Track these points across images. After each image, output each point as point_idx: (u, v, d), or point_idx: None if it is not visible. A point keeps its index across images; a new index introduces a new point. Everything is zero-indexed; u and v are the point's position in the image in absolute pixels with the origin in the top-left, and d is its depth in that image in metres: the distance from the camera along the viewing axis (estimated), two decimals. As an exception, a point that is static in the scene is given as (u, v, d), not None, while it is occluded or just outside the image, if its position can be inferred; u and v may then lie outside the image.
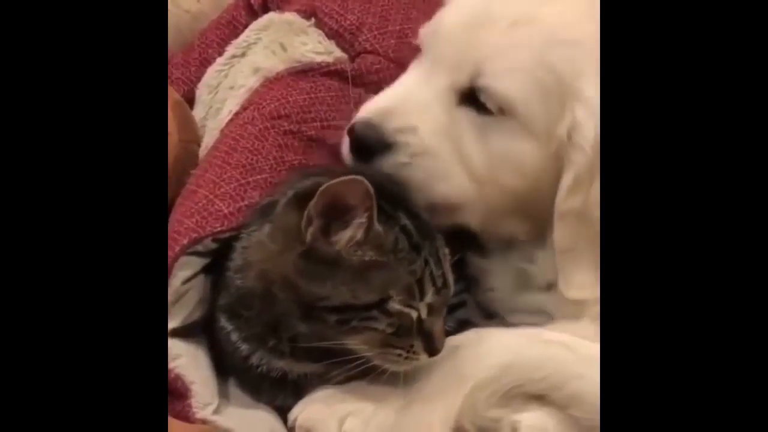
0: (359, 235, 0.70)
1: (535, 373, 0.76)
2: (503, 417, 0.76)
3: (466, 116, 0.84)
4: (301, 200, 0.72)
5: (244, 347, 0.77)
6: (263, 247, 0.75)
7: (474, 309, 0.90)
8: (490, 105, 0.83)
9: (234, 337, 0.78)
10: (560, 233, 0.83)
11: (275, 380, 0.78)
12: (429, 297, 0.73)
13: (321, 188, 0.69)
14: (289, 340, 0.75)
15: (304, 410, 0.77)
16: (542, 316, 0.86)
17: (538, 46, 0.82)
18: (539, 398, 0.76)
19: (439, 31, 0.87)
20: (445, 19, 0.88)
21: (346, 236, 0.70)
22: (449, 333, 0.82)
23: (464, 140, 0.84)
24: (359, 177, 0.69)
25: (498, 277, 0.91)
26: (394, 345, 0.73)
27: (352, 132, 0.86)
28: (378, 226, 0.71)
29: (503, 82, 0.82)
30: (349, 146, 0.87)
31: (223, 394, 0.81)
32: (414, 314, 0.72)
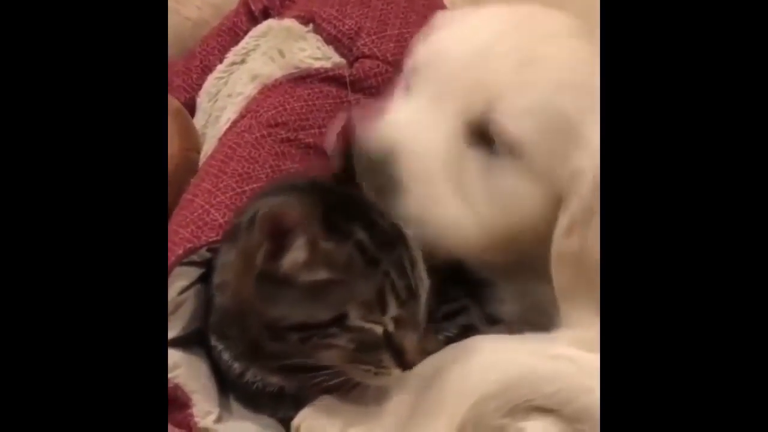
0: (302, 256, 0.70)
1: (545, 388, 0.76)
2: (508, 425, 0.76)
3: (475, 156, 0.82)
4: (254, 222, 0.71)
5: (236, 365, 0.77)
6: (232, 268, 0.75)
7: (477, 314, 0.89)
8: (500, 144, 0.81)
9: (226, 356, 0.78)
10: (558, 274, 0.82)
11: (273, 394, 0.77)
12: (393, 310, 0.71)
13: (259, 213, 0.68)
14: (271, 359, 0.74)
15: (305, 421, 0.76)
16: (549, 319, 0.85)
17: (548, 88, 0.81)
18: (545, 410, 0.76)
19: (441, 62, 0.85)
20: (446, 50, 0.86)
21: (290, 258, 0.70)
22: (451, 339, 0.82)
23: (469, 179, 0.82)
24: (293, 200, 0.68)
25: (503, 289, 0.90)
26: (360, 360, 0.72)
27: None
28: (326, 244, 0.70)
29: (515, 122, 0.80)
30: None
31: (225, 405, 0.81)
32: (378, 329, 0.71)
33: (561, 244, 0.81)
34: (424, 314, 0.75)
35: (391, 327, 0.72)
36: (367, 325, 0.71)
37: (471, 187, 0.82)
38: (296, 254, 0.70)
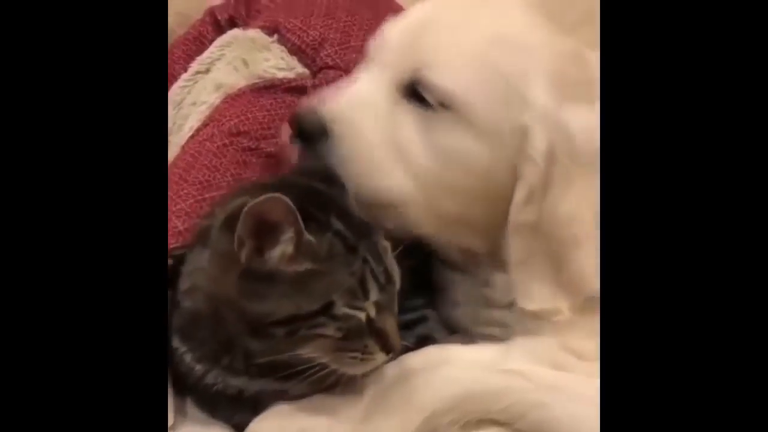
0: (290, 249, 0.70)
1: (496, 404, 0.77)
2: (459, 435, 0.77)
3: (409, 111, 0.83)
4: (231, 223, 0.71)
5: (198, 367, 0.77)
6: (205, 273, 0.75)
7: (436, 324, 0.90)
8: (429, 98, 0.82)
9: (188, 358, 0.77)
10: (515, 246, 0.83)
11: (232, 398, 0.77)
12: (374, 295, 0.73)
13: (243, 210, 0.69)
14: (243, 358, 0.75)
15: (260, 426, 0.76)
16: (504, 330, 0.86)
17: (481, 45, 0.83)
18: (499, 424, 0.77)
19: (385, 40, 0.88)
20: (390, 30, 0.89)
21: (277, 253, 0.70)
22: (409, 349, 0.82)
23: (405, 135, 0.83)
24: (277, 195, 0.69)
25: (461, 291, 0.91)
26: (346, 348, 0.72)
27: (293, 119, 0.85)
28: (308, 237, 0.71)
29: (442, 74, 0.82)
30: (291, 134, 0.86)
31: (181, 411, 0.80)
32: (362, 315, 0.72)
33: (518, 214, 0.82)
34: (398, 300, 0.76)
35: (372, 312, 0.73)
36: (353, 312, 0.72)
37: (408, 142, 0.83)
38: (284, 248, 0.70)
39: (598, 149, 0.68)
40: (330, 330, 0.71)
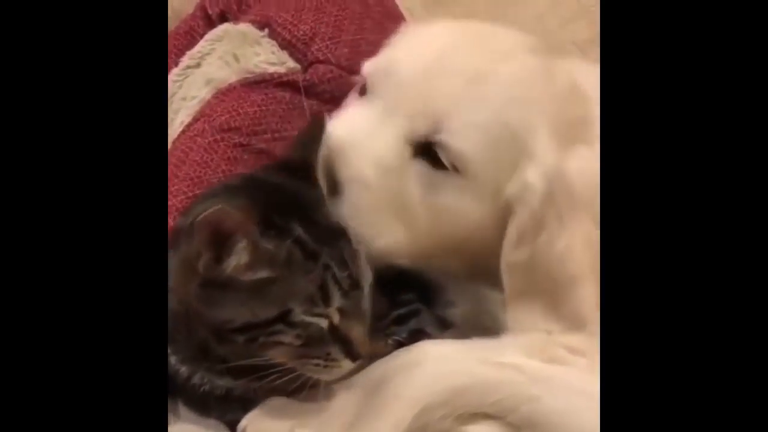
0: (244, 259, 0.70)
1: (488, 397, 0.76)
2: (452, 429, 0.76)
3: (418, 169, 0.83)
4: (192, 230, 0.71)
5: (183, 369, 0.77)
6: (174, 275, 0.75)
7: (428, 318, 0.90)
8: (445, 160, 0.82)
9: (173, 359, 0.77)
10: (509, 283, 0.83)
11: (220, 397, 0.77)
12: (337, 301, 0.72)
13: (194, 222, 0.69)
14: (218, 361, 0.75)
15: (251, 423, 0.77)
16: (499, 326, 0.86)
17: (496, 103, 0.82)
18: (491, 417, 0.77)
19: (395, 74, 0.86)
20: (400, 63, 0.87)
21: (232, 263, 0.70)
22: (402, 343, 0.82)
23: (410, 193, 0.83)
24: (226, 206, 0.69)
25: (458, 292, 0.90)
26: (308, 355, 0.73)
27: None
28: (265, 245, 0.70)
29: (461, 139, 0.81)
30: None
31: (173, 410, 0.80)
32: (323, 322, 0.72)
33: (511, 254, 0.82)
34: (369, 306, 0.76)
35: (336, 319, 0.73)
36: (312, 320, 0.71)
37: (410, 199, 0.83)
38: (239, 257, 0.70)
39: (596, 191, 0.68)
40: (288, 337, 0.71)
